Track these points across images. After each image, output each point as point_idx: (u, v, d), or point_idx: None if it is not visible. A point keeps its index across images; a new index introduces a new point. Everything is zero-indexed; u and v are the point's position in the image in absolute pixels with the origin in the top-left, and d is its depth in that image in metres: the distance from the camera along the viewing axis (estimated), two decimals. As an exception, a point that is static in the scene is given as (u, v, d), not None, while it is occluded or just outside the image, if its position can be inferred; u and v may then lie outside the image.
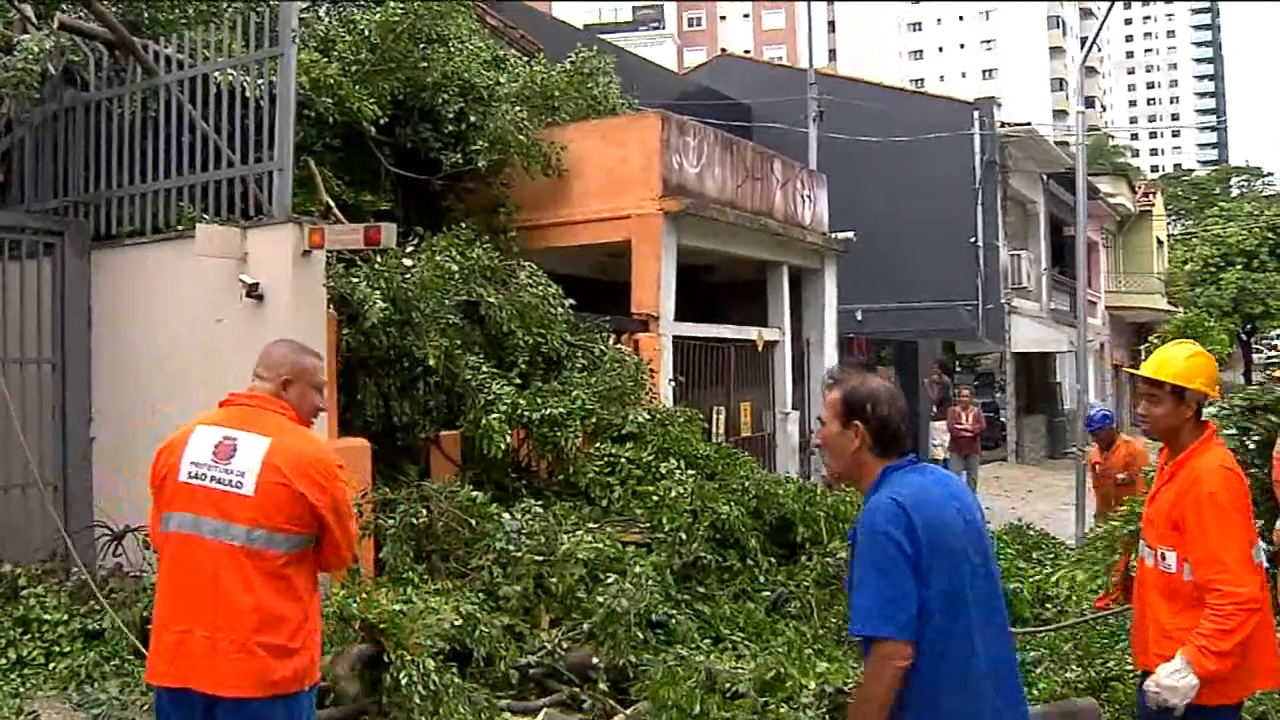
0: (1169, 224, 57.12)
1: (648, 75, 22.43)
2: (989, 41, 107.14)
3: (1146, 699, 4.07)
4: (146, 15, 10.22)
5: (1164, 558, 4.19)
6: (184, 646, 3.71)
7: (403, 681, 6.25)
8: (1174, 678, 3.96)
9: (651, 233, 12.16)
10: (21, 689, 6.72)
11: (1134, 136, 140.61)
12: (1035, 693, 6.97)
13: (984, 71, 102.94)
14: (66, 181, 9.56)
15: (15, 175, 9.69)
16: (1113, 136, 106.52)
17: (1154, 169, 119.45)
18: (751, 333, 14.87)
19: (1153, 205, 45.60)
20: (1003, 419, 29.28)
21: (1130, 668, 6.08)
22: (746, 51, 44.72)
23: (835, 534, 9.59)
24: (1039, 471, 27.25)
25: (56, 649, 7.15)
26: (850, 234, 17.17)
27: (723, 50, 36.19)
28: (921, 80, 78.48)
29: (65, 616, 7.40)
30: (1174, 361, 4.33)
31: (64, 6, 10.07)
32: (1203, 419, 4.40)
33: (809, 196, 16.25)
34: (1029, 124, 30.11)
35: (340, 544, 3.95)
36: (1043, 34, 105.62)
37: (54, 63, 9.06)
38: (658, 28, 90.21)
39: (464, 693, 6.44)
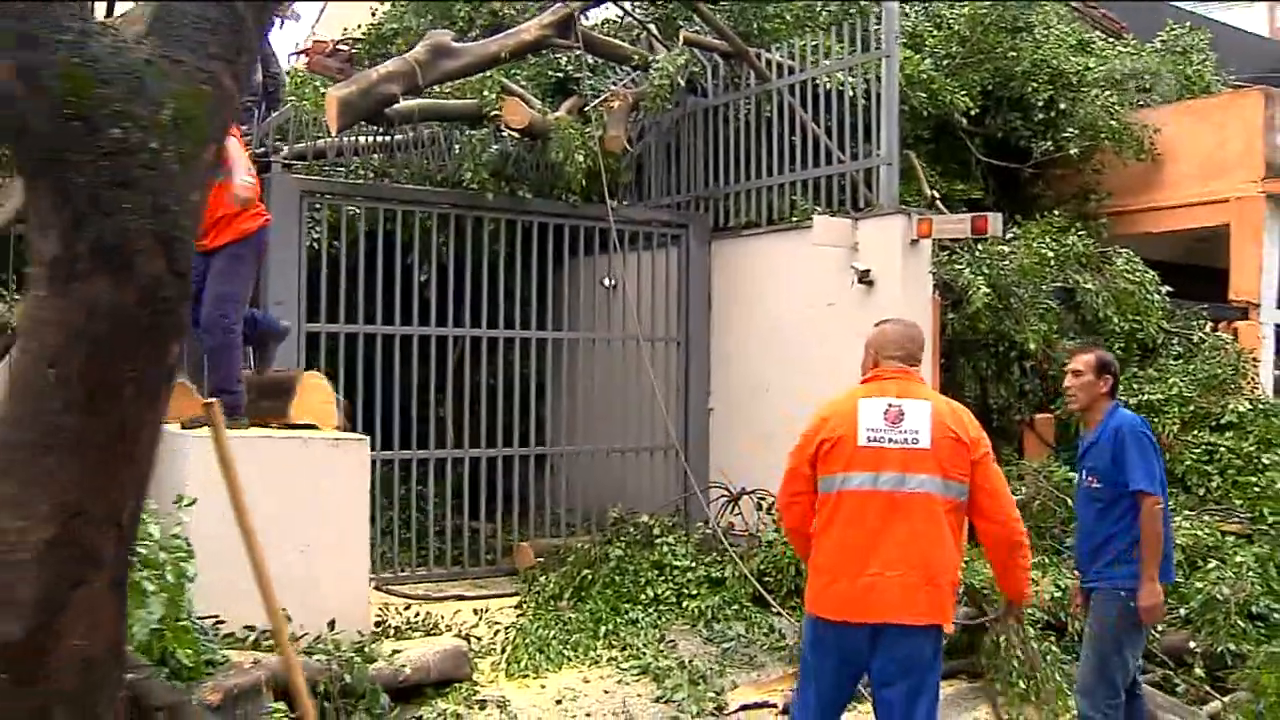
0: None
1: (1237, 44, 20.96)
2: None
3: None
4: (756, 25, 11.13)
5: None
6: (877, 587, 4.19)
7: (1002, 644, 6.61)
8: None
9: (1253, 217, 11.60)
10: (659, 621, 7.70)
11: None
12: None
13: None
14: (690, 178, 10.70)
15: (646, 175, 10.98)
16: None
17: None
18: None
19: None
20: None
21: None
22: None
23: None
24: None
25: (685, 591, 8.10)
26: None
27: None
28: None
29: (692, 564, 8.36)
30: None
31: (681, 23, 11.25)
32: None
33: None
34: None
35: (1005, 502, 4.37)
36: None
37: (682, 76, 10.14)
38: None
39: (1059, 663, 6.69)
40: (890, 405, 4.32)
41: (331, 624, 5.78)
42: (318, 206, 8.85)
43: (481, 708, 5.95)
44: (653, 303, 10.11)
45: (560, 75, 11.05)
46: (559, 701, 6.20)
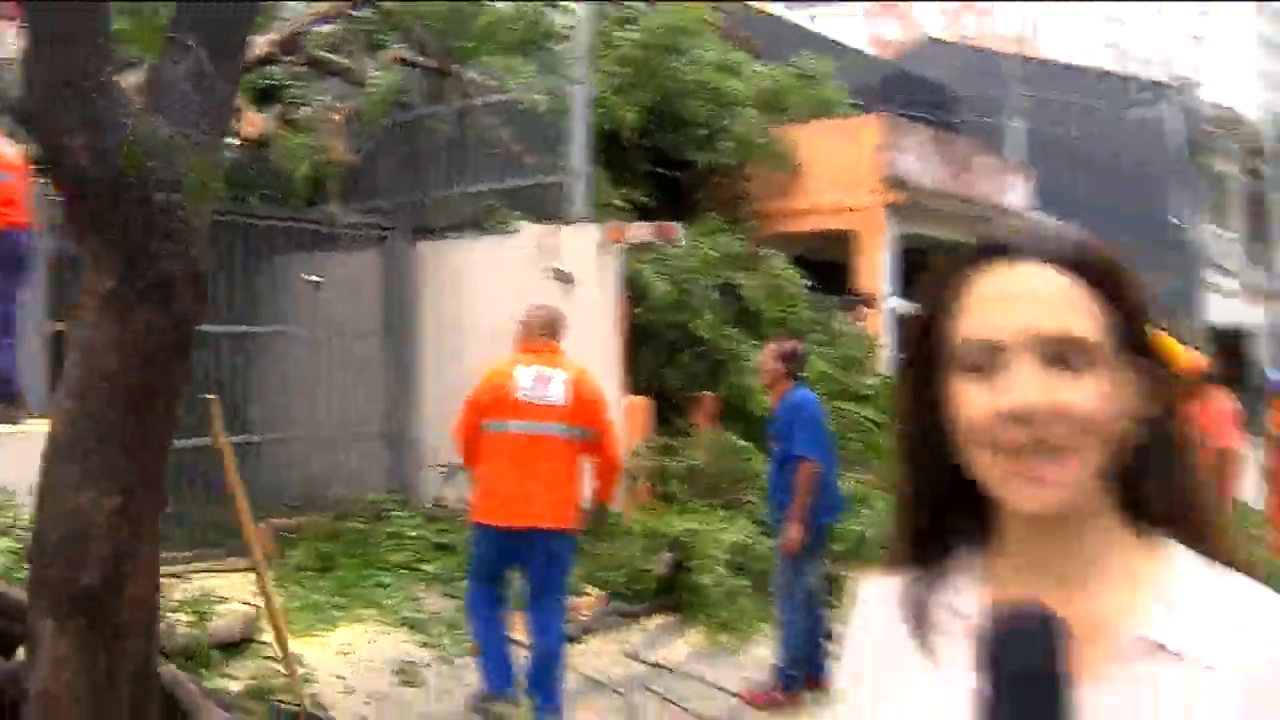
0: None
1: (846, 60, 23.36)
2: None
3: None
4: (453, 45, 12.16)
5: None
6: (526, 501, 5.86)
7: (704, 582, 8.09)
8: None
9: (875, 223, 13.74)
10: (403, 584, 8.70)
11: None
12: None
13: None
14: (395, 185, 11.65)
15: (355, 181, 11.85)
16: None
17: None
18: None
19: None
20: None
21: None
22: (953, 35, 44.67)
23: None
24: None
25: (420, 558, 9.16)
26: (1055, 221, 18.25)
27: (928, 37, 36.49)
28: (1122, 49, 75.95)
29: (423, 534, 9.44)
30: None
31: (383, 36, 12.15)
32: None
33: (1011, 185, 17.53)
34: (1231, 109, 30.16)
35: (615, 442, 6.33)
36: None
37: (394, 92, 11.09)
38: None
39: (750, 595, 8.24)
40: (540, 372, 6.03)
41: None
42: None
43: (279, 661, 6.82)
44: (362, 299, 10.99)
45: (270, 83, 11.68)
46: (345, 654, 7.15)
